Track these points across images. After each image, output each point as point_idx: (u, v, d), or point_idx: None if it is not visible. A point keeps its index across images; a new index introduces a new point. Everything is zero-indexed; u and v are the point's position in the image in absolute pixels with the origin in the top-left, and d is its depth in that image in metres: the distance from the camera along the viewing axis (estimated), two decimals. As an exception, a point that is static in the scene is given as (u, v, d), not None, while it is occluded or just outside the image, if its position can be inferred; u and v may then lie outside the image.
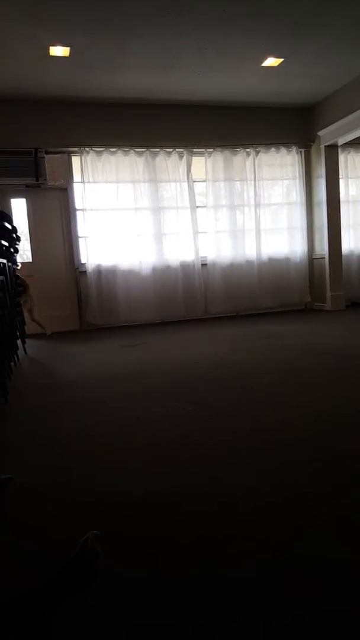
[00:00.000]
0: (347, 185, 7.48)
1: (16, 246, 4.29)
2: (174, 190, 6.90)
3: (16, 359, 4.30)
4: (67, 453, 2.13)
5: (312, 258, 7.51)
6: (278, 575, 1.18)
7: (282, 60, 5.54)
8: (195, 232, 6.97)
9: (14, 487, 1.77)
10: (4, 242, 2.99)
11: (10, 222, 3.41)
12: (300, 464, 1.83)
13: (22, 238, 6.58)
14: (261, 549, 1.29)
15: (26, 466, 2.00)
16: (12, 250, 3.82)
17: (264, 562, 1.23)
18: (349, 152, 7.43)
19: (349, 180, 7.51)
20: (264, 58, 5.47)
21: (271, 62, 5.57)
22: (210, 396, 2.86)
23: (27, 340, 5.39)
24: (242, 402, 2.71)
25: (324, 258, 7.23)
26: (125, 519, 1.52)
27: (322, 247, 7.26)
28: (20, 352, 4.83)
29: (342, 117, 6.43)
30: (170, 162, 6.86)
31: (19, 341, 4.78)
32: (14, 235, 3.84)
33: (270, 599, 1.09)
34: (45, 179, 6.28)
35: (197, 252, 6.98)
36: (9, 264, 3.69)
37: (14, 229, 3.85)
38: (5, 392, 3.05)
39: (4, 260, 3.10)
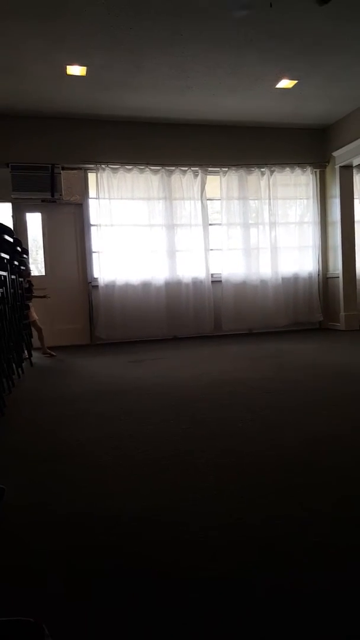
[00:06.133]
0: (362, 206, 7.43)
1: (22, 259, 4.33)
2: (188, 208, 6.94)
3: (20, 371, 4.33)
4: (56, 468, 2.12)
5: (326, 277, 7.45)
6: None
7: (296, 82, 5.57)
8: (207, 250, 6.98)
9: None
10: (4, 255, 3.02)
11: (11, 235, 3.45)
12: (292, 486, 1.78)
13: (35, 252, 6.68)
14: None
15: (14, 479, 1.99)
16: (16, 262, 3.87)
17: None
18: (364, 173, 7.38)
19: (365, 200, 7.44)
20: (278, 80, 5.51)
21: (285, 83, 5.60)
22: (210, 415, 2.82)
23: (34, 352, 5.44)
24: (242, 422, 2.66)
25: (338, 277, 7.16)
26: (107, 533, 1.49)
27: (336, 266, 7.19)
28: (25, 364, 4.87)
29: (357, 138, 6.41)
30: (185, 181, 6.91)
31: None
32: (18, 249, 3.88)
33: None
34: (60, 194, 6.39)
35: (207, 269, 6.98)
36: (12, 276, 3.73)
37: (17, 242, 3.89)
38: (2, 405, 3.06)
39: (5, 273, 3.14)
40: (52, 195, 6.36)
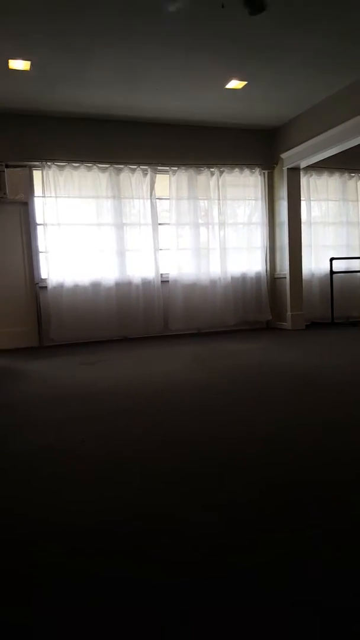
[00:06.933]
0: (308, 208, 7.61)
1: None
2: (137, 207, 6.86)
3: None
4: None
5: (273, 278, 7.59)
6: None
7: (245, 83, 5.60)
8: (157, 249, 6.94)
9: None
10: None
11: None
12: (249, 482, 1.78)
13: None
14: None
15: None
16: None
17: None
18: (311, 175, 7.56)
19: (311, 202, 7.63)
20: (228, 80, 5.52)
21: (235, 84, 5.62)
22: (166, 418, 2.79)
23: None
24: (193, 427, 2.65)
25: (285, 278, 7.31)
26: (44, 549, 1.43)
27: (283, 267, 7.34)
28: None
29: (304, 141, 6.55)
30: (134, 179, 6.82)
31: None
32: None
33: None
34: (5, 193, 6.14)
35: (157, 268, 6.95)
36: None
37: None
38: None
39: None
40: (-4, 194, 6.11)
